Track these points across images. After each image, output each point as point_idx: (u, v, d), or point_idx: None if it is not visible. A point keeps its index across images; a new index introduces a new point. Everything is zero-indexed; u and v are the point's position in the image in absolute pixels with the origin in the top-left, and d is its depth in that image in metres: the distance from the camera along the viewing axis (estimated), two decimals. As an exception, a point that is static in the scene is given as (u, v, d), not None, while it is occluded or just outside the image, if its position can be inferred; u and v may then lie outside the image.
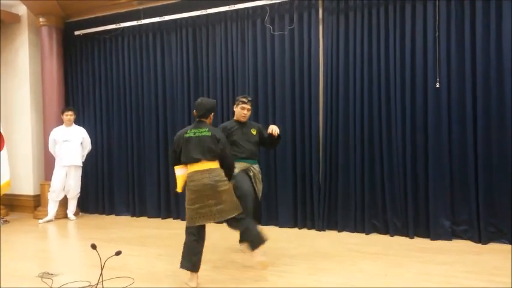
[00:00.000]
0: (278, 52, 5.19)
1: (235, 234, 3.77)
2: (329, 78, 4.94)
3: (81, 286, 3.25)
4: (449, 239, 4.44)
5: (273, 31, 5.17)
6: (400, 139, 4.66)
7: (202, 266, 3.34)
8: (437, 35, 4.43)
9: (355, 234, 4.84)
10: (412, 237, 4.58)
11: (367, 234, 4.80)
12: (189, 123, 5.68)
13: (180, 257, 3.28)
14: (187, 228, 3.29)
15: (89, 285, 3.23)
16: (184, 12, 5.57)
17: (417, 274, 3.47)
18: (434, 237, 4.48)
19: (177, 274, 3.60)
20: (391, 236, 4.68)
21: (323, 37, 5.01)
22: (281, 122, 5.18)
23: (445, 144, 4.46)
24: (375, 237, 4.70)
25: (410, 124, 4.61)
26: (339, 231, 4.94)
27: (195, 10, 5.49)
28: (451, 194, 4.48)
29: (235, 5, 5.26)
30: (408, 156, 4.62)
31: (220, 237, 4.56)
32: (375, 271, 3.57)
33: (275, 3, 5.12)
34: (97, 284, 2.89)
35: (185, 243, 3.28)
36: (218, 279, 3.50)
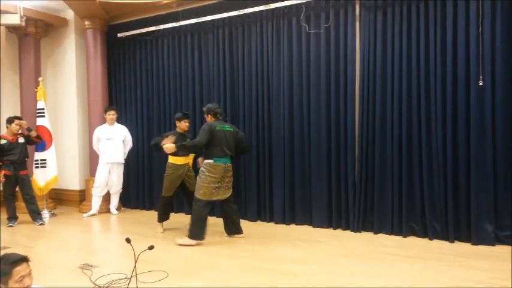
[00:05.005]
0: (313, 50, 5.14)
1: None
2: (366, 76, 4.84)
3: (117, 278, 3.40)
4: (492, 244, 4.22)
5: (309, 29, 5.13)
6: (440, 139, 4.48)
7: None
8: (480, 30, 4.22)
9: (392, 236, 4.71)
10: (452, 242, 4.40)
11: (404, 237, 4.65)
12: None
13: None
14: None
15: (125, 278, 3.37)
16: (221, 12, 5.66)
17: (455, 279, 3.34)
18: (475, 242, 4.28)
19: (210, 270, 3.68)
20: (430, 239, 4.52)
21: (360, 34, 4.91)
22: (316, 120, 5.14)
23: (488, 144, 4.25)
24: (413, 241, 4.55)
25: (451, 123, 4.43)
26: (375, 233, 4.83)
27: (231, 10, 5.56)
28: (494, 196, 4.26)
29: (271, 4, 5.26)
30: (449, 156, 4.44)
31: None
32: (411, 275, 3.47)
33: (311, 1, 5.07)
34: (131, 276, 3.01)
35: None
36: (254, 276, 3.54)
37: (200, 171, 4.58)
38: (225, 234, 4.82)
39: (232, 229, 4.76)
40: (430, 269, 3.61)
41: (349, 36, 4.93)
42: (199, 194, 4.48)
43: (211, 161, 4.49)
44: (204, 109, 4.80)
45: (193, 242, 4.45)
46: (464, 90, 4.36)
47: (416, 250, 4.18)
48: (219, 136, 4.51)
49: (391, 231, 4.75)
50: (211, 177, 4.45)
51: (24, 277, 2.01)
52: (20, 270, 2.00)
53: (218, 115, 4.70)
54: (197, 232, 4.45)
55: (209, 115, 4.70)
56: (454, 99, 4.42)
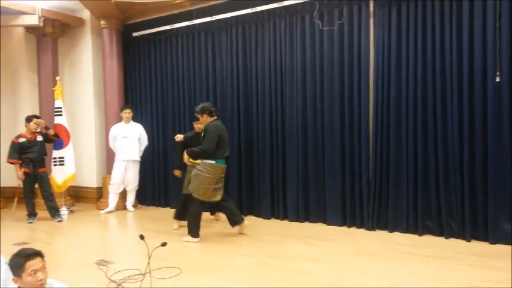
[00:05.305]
0: (327, 47, 5.11)
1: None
2: (380, 74, 4.79)
3: (132, 274, 3.45)
4: (510, 243, 4.13)
5: (322, 26, 5.10)
6: (456, 136, 4.41)
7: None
8: (497, 25, 4.13)
9: (407, 235, 4.66)
10: (469, 240, 4.33)
11: (420, 235, 4.60)
12: (238, 119, 5.81)
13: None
14: None
15: (139, 274, 3.42)
16: (234, 11, 5.66)
17: (471, 279, 3.30)
18: (493, 241, 4.21)
19: (223, 267, 3.70)
20: (446, 238, 4.45)
21: (374, 31, 4.85)
22: (330, 118, 5.12)
23: (505, 141, 4.16)
24: (429, 239, 4.49)
25: (468, 120, 4.35)
26: (389, 232, 4.78)
27: (244, 8, 5.56)
28: (512, 194, 4.18)
29: (284, 2, 5.25)
30: (465, 153, 4.36)
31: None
32: (426, 274, 3.43)
33: (324, -3, 5.05)
34: (145, 272, 3.06)
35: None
36: (267, 274, 3.55)
37: (198, 171, 4.51)
38: (235, 231, 4.81)
39: (235, 219, 4.78)
40: (446, 268, 3.57)
41: (362, 33, 4.88)
42: (198, 193, 4.48)
43: (212, 161, 4.49)
44: (198, 109, 4.70)
45: (196, 239, 4.52)
46: (481, 87, 4.28)
47: (432, 249, 4.13)
48: (223, 138, 4.56)
49: (407, 230, 4.70)
50: (211, 178, 4.47)
51: (37, 271, 2.04)
52: (32, 264, 2.04)
53: (214, 113, 4.68)
54: (197, 229, 4.56)
55: (204, 114, 4.64)
56: (471, 96, 4.34)
